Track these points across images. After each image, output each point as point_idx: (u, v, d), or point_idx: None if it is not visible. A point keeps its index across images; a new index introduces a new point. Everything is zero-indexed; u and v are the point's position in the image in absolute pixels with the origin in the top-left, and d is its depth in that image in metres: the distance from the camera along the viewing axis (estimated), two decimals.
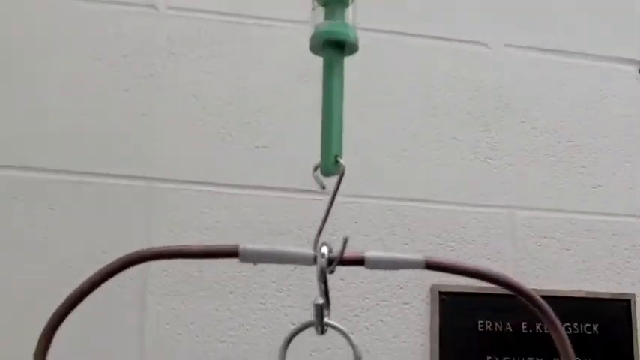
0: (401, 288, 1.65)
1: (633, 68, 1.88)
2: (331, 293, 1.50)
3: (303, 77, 1.64)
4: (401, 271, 1.63)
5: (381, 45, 1.75)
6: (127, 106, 1.61)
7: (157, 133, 1.60)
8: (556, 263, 1.74)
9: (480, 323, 1.69)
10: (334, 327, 0.66)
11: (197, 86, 1.64)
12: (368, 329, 1.62)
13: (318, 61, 0.68)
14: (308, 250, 0.65)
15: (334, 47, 0.67)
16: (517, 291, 0.69)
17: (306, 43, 0.68)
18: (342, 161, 0.67)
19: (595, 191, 1.79)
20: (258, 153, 1.64)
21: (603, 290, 1.75)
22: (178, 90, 1.63)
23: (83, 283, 0.56)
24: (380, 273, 1.60)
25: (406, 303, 1.65)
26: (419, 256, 0.66)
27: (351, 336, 0.66)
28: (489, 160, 1.75)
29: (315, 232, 0.66)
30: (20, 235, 1.50)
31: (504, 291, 1.73)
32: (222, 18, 1.68)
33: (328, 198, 0.67)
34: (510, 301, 1.66)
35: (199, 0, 1.67)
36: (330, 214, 0.67)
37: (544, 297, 1.80)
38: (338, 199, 1.67)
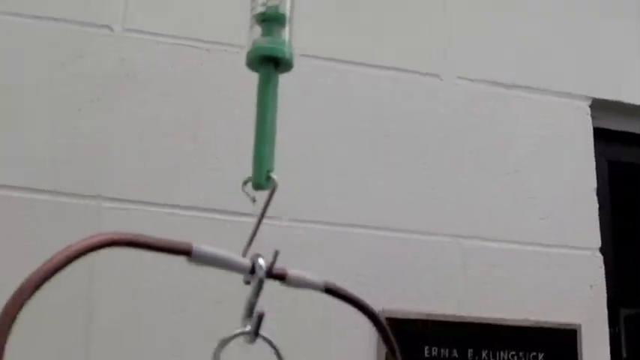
0: (350, 313, 1.65)
1: (584, 104, 1.92)
2: (284, 314, 1.50)
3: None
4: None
5: (340, 73, 1.77)
6: (80, 126, 1.61)
7: (107, 154, 1.60)
8: (504, 292, 1.76)
9: (427, 349, 1.70)
10: (266, 339, 0.68)
11: (150, 108, 1.65)
12: (317, 352, 1.63)
13: None
14: (247, 260, 0.66)
15: (269, 64, 0.69)
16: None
17: None
18: (274, 177, 0.68)
19: (542, 221, 1.81)
20: (212, 175, 1.64)
21: (551, 320, 1.77)
22: (131, 111, 1.64)
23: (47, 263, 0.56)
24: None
25: (356, 327, 1.65)
26: (320, 281, 0.75)
27: (280, 351, 0.67)
28: (436, 190, 1.78)
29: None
30: None
31: (451, 319, 1.75)
32: (177, 42, 1.69)
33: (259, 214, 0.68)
34: (456, 329, 1.69)
35: (155, 23, 1.68)
36: (260, 226, 0.68)
37: (495, 325, 1.83)
38: (289, 223, 1.68)
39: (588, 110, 1.91)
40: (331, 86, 1.77)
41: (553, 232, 1.82)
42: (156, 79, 1.66)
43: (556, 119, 1.89)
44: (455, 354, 1.70)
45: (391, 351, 0.84)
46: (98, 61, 1.64)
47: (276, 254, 0.65)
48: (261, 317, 0.64)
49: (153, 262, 1.51)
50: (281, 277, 0.68)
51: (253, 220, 1.63)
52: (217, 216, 1.62)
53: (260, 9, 0.70)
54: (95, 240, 0.56)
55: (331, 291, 0.78)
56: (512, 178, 1.82)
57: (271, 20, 0.69)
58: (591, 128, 1.90)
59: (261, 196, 0.71)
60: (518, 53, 1.91)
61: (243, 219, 1.55)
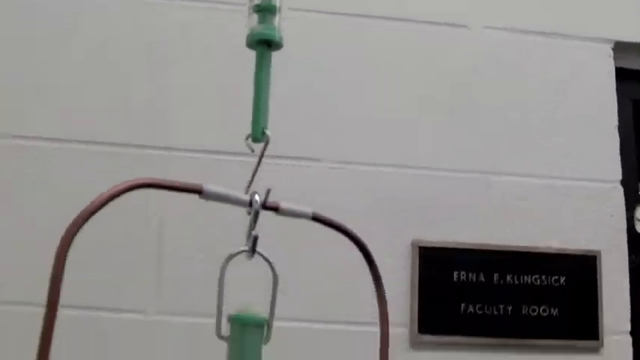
0: (385, 242, 1.86)
1: (607, 46, 2.05)
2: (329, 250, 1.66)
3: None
4: (385, 227, 1.86)
5: (373, 28, 1.96)
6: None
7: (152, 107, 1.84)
8: (528, 222, 1.94)
9: (456, 274, 1.90)
10: (263, 256, 0.89)
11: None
12: (359, 278, 1.84)
13: None
14: (246, 196, 0.87)
15: (264, 45, 0.89)
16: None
17: None
18: (267, 132, 0.88)
19: (566, 158, 1.98)
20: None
21: (572, 247, 1.95)
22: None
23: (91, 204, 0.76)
24: (367, 228, 1.81)
25: (389, 256, 1.86)
26: (308, 210, 0.89)
27: (274, 264, 0.88)
28: (468, 131, 1.96)
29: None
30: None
31: (478, 246, 1.92)
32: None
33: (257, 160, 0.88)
34: (483, 256, 1.88)
35: None
36: (257, 171, 0.88)
37: (519, 252, 1.98)
38: (324, 164, 1.88)
39: (610, 52, 2.04)
40: (355, 37, 1.96)
41: (576, 167, 1.98)
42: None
43: (579, 62, 2.03)
44: (482, 278, 1.90)
45: (374, 276, 0.97)
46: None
47: (268, 191, 0.85)
48: (256, 238, 0.85)
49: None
50: (274, 209, 0.88)
51: (291, 162, 1.84)
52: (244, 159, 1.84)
53: (256, 1, 0.90)
54: (126, 185, 0.76)
55: (318, 219, 0.92)
56: (537, 119, 1.99)
57: (265, 10, 0.89)
58: (613, 69, 2.03)
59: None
60: (541, 1, 2.05)
61: (277, 161, 1.77)
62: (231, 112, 1.79)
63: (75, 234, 0.74)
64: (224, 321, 0.86)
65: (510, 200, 1.94)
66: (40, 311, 0.69)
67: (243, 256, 0.88)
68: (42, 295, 0.71)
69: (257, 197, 0.86)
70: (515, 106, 1.99)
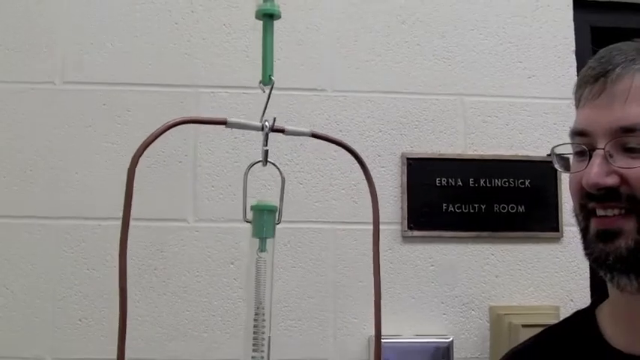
0: (379, 156, 2.25)
1: None
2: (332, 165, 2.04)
3: None
4: (379, 143, 2.25)
5: None
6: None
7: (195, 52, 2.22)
8: (499, 135, 2.32)
9: (438, 180, 2.26)
10: (273, 164, 1.26)
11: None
12: (355, 185, 2.24)
13: None
14: (259, 123, 1.24)
15: (268, 17, 1.26)
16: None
17: None
18: (273, 78, 1.26)
19: (529, 79, 2.34)
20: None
21: (536, 154, 2.30)
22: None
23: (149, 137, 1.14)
24: (363, 144, 2.21)
25: (383, 167, 2.25)
26: (307, 130, 1.25)
27: (280, 168, 1.26)
28: (445, 60, 2.32)
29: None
30: None
31: (456, 156, 2.32)
32: None
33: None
34: (460, 164, 2.26)
35: None
36: (267, 107, 1.26)
37: (491, 160, 2.36)
38: (330, 94, 2.29)
39: None
40: None
41: (539, 87, 2.31)
42: None
43: None
44: (460, 183, 2.25)
45: (367, 177, 1.17)
46: None
47: (274, 119, 1.23)
48: (266, 152, 1.23)
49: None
50: (281, 131, 1.25)
51: (298, 93, 2.20)
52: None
53: None
54: (172, 122, 1.11)
55: (317, 135, 1.24)
56: (504, 46, 2.32)
57: None
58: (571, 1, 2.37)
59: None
60: None
61: (291, 92, 2.15)
62: (245, 63, 2.19)
63: (139, 157, 1.09)
64: (248, 210, 1.15)
65: (483, 117, 2.29)
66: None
67: (260, 166, 1.27)
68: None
69: (267, 123, 1.23)
70: (486, 34, 2.33)
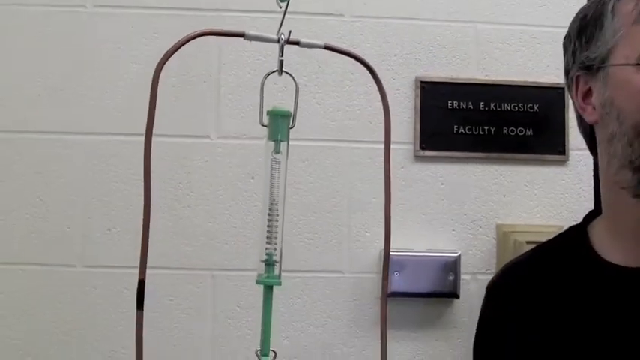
0: (393, 79, 2.35)
1: None
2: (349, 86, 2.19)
3: None
4: (393, 67, 2.34)
5: None
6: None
7: None
8: (509, 61, 2.40)
9: (450, 103, 2.34)
10: (288, 73, 1.36)
11: None
12: (370, 106, 2.34)
13: None
14: (275, 35, 1.34)
15: None
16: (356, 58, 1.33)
17: None
18: None
19: (540, 8, 2.41)
20: None
21: (545, 80, 2.38)
22: None
23: (169, 50, 1.25)
24: (379, 67, 2.30)
25: (397, 89, 2.35)
26: (321, 43, 1.34)
27: (294, 77, 1.36)
28: None
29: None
30: None
31: (468, 80, 2.42)
32: None
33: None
34: (472, 88, 2.35)
35: None
36: (284, 21, 1.35)
37: (501, 85, 2.46)
38: (347, 19, 2.39)
39: None
40: None
41: (548, 16, 2.37)
42: None
43: None
44: (470, 106, 2.33)
45: (380, 91, 1.25)
46: None
47: (289, 32, 1.32)
48: (282, 62, 1.32)
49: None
50: (296, 43, 1.34)
51: (318, 17, 2.30)
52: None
53: None
54: (190, 35, 1.22)
55: (330, 48, 1.23)
56: None
57: None
58: None
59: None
60: None
61: (309, 17, 2.24)
62: None
63: (163, 64, 1.13)
64: (264, 115, 1.23)
65: (494, 44, 2.37)
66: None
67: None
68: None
69: (282, 36, 1.33)
70: None
